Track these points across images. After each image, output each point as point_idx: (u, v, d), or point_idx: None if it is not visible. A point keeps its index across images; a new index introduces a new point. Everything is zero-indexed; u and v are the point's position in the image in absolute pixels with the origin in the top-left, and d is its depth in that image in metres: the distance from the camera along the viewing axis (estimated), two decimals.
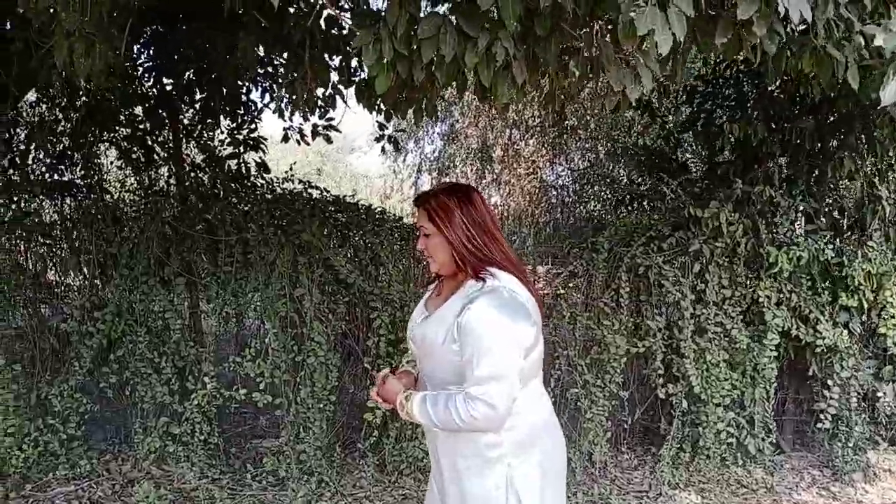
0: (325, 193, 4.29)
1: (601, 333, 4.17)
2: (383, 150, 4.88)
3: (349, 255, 4.03)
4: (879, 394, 4.43)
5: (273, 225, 3.89)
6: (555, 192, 12.60)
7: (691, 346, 4.14)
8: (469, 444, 1.86)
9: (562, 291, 4.28)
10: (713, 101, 4.70)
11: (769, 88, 4.32)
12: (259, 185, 4.20)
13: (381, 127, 4.43)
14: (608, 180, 11.30)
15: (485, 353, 1.72)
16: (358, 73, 3.66)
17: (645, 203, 5.38)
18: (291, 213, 3.89)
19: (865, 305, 4.12)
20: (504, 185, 12.65)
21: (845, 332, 4.25)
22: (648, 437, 4.92)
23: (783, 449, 4.69)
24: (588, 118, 10.81)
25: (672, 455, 4.29)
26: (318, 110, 4.50)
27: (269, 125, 4.77)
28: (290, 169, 4.19)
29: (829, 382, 4.31)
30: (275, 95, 4.47)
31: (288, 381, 3.88)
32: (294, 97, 2.96)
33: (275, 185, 4.18)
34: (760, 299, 4.18)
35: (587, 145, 11.52)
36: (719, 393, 4.23)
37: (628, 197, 5.56)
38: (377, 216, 4.23)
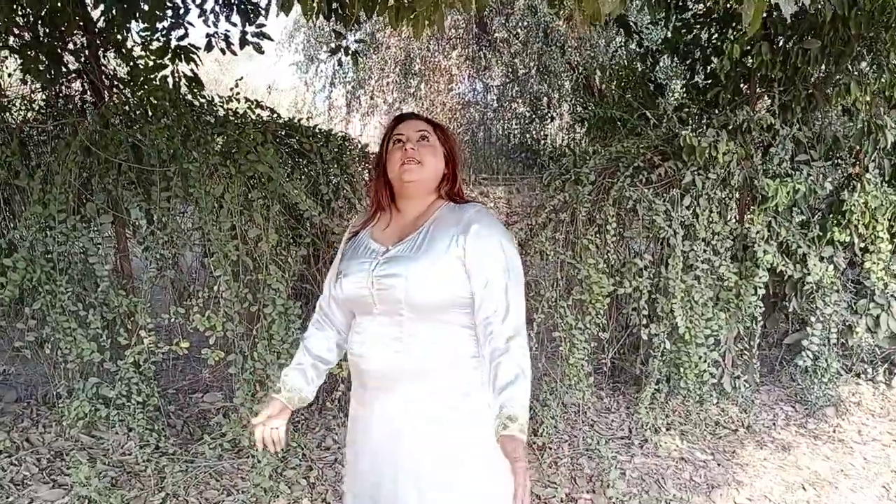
0: (274, 115, 3.68)
1: (585, 272, 3.84)
2: (338, 62, 4.25)
3: (307, 188, 3.48)
4: (857, 329, 4.33)
5: (219, 153, 3.28)
6: (474, 109, 12.19)
7: (679, 285, 3.87)
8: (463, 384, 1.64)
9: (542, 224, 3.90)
10: (701, 17, 4.31)
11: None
12: (196, 104, 3.54)
13: (338, 36, 3.81)
14: (530, 97, 11.01)
15: (508, 276, 1.59)
16: None
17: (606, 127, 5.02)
18: (240, 138, 3.28)
19: (856, 241, 3.94)
20: (423, 99, 12.08)
21: (831, 267, 4.09)
22: (620, 377, 4.72)
23: (754, 385, 4.59)
24: (517, 31, 10.32)
25: (650, 397, 4.10)
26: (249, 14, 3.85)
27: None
28: (237, 85, 3.53)
29: (812, 319, 4.17)
30: None
31: (242, 333, 3.37)
32: None
33: (216, 104, 3.52)
34: (751, 234, 3.94)
35: (515, 60, 11.04)
36: (703, 332, 4.01)
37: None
38: (338, 142, 3.66)
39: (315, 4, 2.16)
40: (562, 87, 10.39)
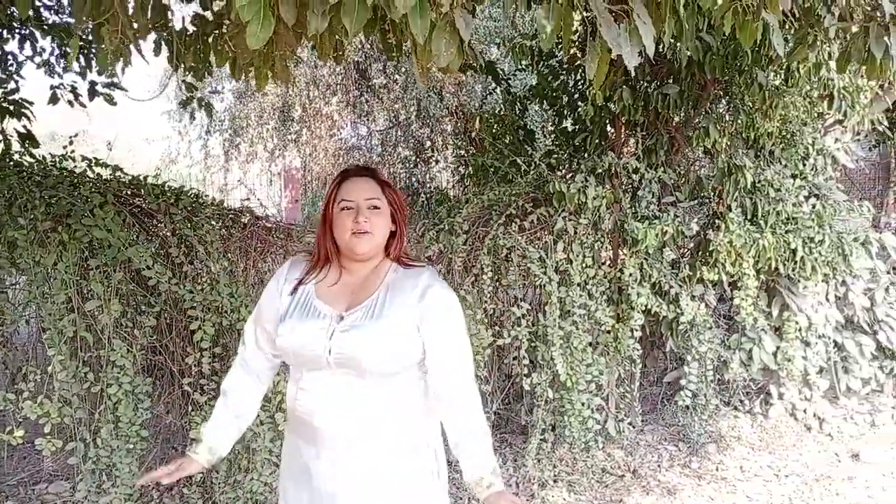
0: (117, 173, 3.37)
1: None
2: (191, 114, 3.99)
3: (156, 253, 3.18)
4: (732, 364, 4.41)
5: (50, 217, 2.95)
6: (358, 153, 12.09)
7: (558, 331, 3.81)
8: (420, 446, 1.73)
9: None
10: (566, 64, 4.35)
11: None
12: (26, 164, 3.19)
13: (190, 88, 3.57)
14: (411, 141, 11.03)
15: (464, 336, 1.71)
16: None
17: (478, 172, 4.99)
18: (74, 200, 2.96)
19: (724, 279, 4.02)
20: (305, 145, 11.88)
21: (702, 305, 4.14)
22: (506, 427, 4.59)
23: (638, 426, 4.57)
24: (396, 77, 10.34)
25: (536, 447, 3.99)
26: (108, 68, 3.54)
27: (30, 83, 3.70)
28: (71, 143, 3.20)
29: (689, 357, 4.21)
30: (39, 46, 3.44)
31: (83, 419, 3.01)
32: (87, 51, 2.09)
33: (48, 163, 3.18)
34: (625, 277, 3.94)
35: (396, 105, 11.05)
36: (584, 378, 3.95)
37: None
38: (191, 200, 3.39)
39: (111, 57, 1.93)
40: (444, 130, 10.45)
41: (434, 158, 11.16)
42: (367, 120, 11.85)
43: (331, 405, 1.65)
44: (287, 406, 1.79)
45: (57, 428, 2.94)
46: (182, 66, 3.12)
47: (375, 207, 1.70)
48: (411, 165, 11.42)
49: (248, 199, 3.95)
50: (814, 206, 4.35)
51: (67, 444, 2.97)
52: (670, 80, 4.02)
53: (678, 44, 3.48)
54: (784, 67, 4.07)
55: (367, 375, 1.63)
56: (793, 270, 4.30)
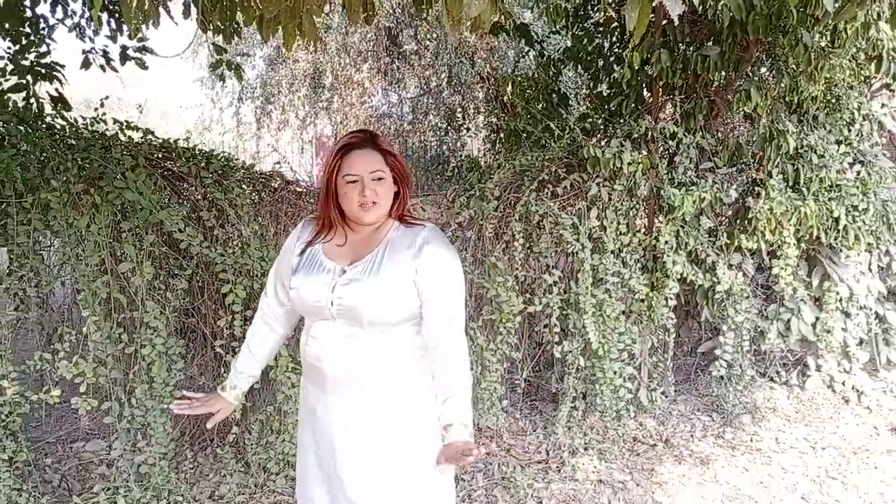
0: (149, 136, 3.36)
1: (494, 291, 3.66)
2: (220, 77, 3.98)
3: (187, 216, 3.19)
4: (769, 335, 4.31)
5: (82, 180, 2.96)
6: (388, 121, 11.99)
7: (590, 299, 3.75)
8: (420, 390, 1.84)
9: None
10: (601, 26, 4.22)
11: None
12: (58, 126, 3.20)
13: (219, 51, 3.54)
14: (442, 108, 10.88)
15: (457, 291, 1.81)
16: None
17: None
18: (106, 163, 2.97)
19: (763, 248, 3.91)
20: (336, 113, 11.82)
21: (740, 274, 4.05)
22: (537, 395, 4.57)
23: (671, 396, 4.52)
24: (427, 43, 10.18)
25: (567, 415, 3.96)
26: (134, 28, 3.53)
27: (64, 48, 3.70)
28: (102, 105, 3.20)
29: (724, 328, 4.12)
30: (70, 9, 3.43)
31: (118, 379, 3.05)
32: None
33: (80, 126, 3.19)
34: (660, 245, 3.85)
35: (427, 72, 10.90)
36: (616, 347, 3.90)
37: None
38: (222, 164, 3.38)
39: (142, 13, 1.89)
40: (475, 98, 10.31)
41: (465, 126, 11.04)
42: (398, 87, 11.74)
43: (335, 352, 1.80)
44: (300, 353, 1.95)
45: (92, 388, 2.98)
46: (210, 26, 3.10)
47: (380, 178, 1.78)
48: (442, 133, 11.32)
49: (279, 163, 3.93)
50: (858, 174, 4.20)
51: (103, 403, 3.02)
52: (710, 42, 3.88)
53: (720, 2, 3.36)
54: (831, 28, 3.89)
55: (366, 325, 1.76)
56: (835, 239, 4.17)
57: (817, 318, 4.36)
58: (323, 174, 1.83)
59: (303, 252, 1.89)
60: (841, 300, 4.37)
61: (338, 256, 1.83)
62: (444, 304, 1.78)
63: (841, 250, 4.30)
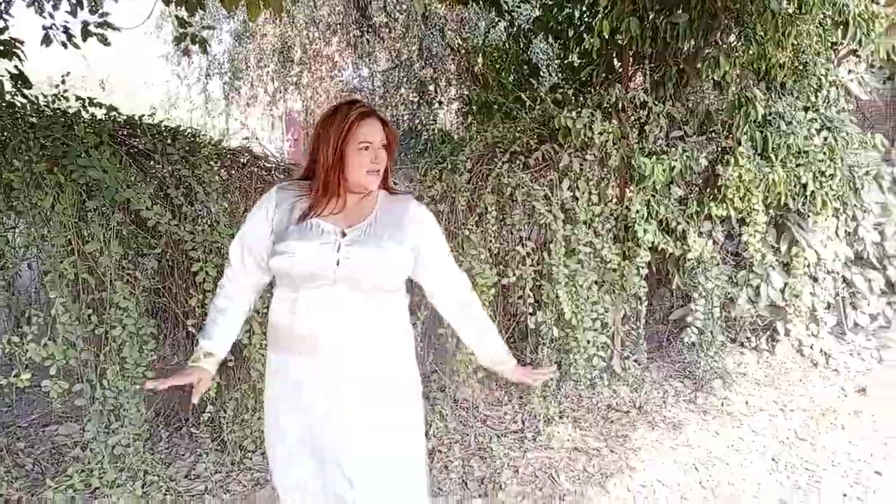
0: (112, 113, 3.29)
1: (468, 264, 3.67)
2: (184, 52, 3.89)
3: (154, 194, 3.13)
4: (739, 301, 4.38)
5: (45, 159, 2.89)
6: (359, 95, 11.88)
7: (563, 270, 3.77)
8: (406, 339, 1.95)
9: None
10: None
11: None
12: (18, 105, 3.12)
13: (183, 24, 3.46)
14: (414, 82, 10.78)
15: (444, 241, 1.99)
16: None
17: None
18: (69, 141, 2.90)
19: (733, 215, 3.95)
20: (306, 88, 11.68)
21: (710, 241, 4.09)
22: None
23: (644, 363, 4.58)
24: (396, 15, 10.06)
25: (542, 385, 4.00)
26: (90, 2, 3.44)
27: (23, 25, 3.59)
28: (63, 82, 3.12)
29: (695, 295, 4.18)
30: None
31: (88, 360, 3.01)
32: None
33: (41, 104, 3.11)
34: (631, 214, 3.88)
35: (398, 45, 10.79)
36: (589, 316, 3.93)
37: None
38: (188, 140, 3.32)
39: None
40: (447, 70, 10.24)
41: (437, 100, 10.98)
42: (369, 61, 11.62)
43: (332, 318, 1.78)
44: (274, 324, 1.87)
45: (63, 370, 2.94)
46: None
47: (385, 147, 1.86)
48: (414, 107, 11.25)
49: (248, 138, 3.87)
50: (825, 139, 4.25)
51: (74, 386, 2.98)
52: (679, 10, 3.88)
53: None
54: None
55: (363, 290, 1.79)
56: (802, 205, 4.23)
57: (786, 284, 4.44)
58: (334, 141, 1.80)
59: (298, 222, 1.83)
60: (809, 265, 4.45)
61: (334, 221, 1.84)
62: (448, 255, 1.98)
63: (808, 216, 4.36)
